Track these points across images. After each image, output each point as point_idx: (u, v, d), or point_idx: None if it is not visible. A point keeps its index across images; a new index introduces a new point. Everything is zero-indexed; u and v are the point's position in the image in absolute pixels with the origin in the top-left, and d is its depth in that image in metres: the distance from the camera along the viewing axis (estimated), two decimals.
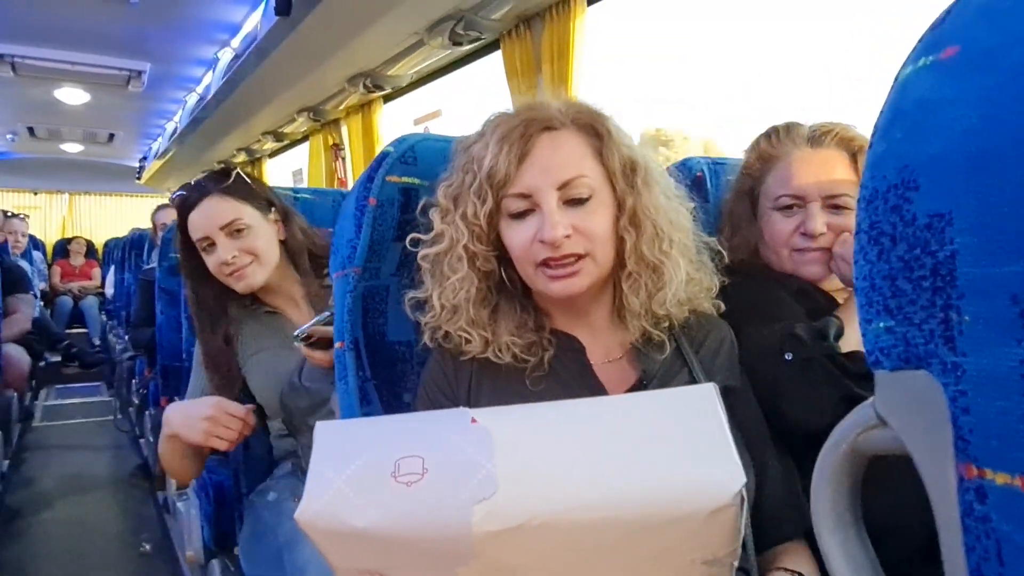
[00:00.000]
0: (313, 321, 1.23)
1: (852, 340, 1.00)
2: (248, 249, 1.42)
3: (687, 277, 0.92)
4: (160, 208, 3.86)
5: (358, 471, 0.51)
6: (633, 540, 0.46)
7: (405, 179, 1.01)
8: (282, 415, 1.43)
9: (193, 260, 1.46)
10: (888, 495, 0.72)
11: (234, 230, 1.41)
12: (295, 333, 1.23)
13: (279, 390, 1.41)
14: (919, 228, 0.32)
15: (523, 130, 0.88)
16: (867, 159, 0.37)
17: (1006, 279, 0.29)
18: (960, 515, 0.30)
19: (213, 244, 1.41)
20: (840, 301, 1.13)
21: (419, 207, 0.97)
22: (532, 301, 0.96)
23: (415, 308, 0.95)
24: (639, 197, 0.90)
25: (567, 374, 0.91)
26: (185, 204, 1.44)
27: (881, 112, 0.37)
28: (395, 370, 1.02)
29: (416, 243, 0.95)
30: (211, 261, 1.42)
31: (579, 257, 0.86)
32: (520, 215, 0.88)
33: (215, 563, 1.58)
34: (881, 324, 0.34)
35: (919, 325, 0.32)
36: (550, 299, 0.93)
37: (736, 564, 0.49)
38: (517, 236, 0.89)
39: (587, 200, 0.87)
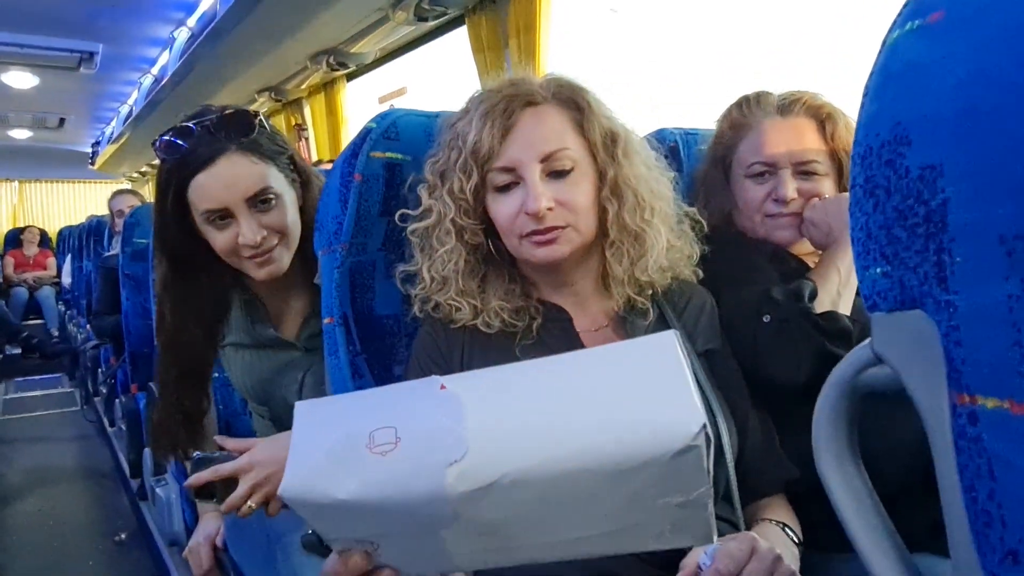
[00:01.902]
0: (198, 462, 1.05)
1: (825, 301, 1.05)
2: (276, 226, 1.12)
3: (668, 244, 0.96)
4: (117, 194, 3.77)
5: (335, 445, 0.53)
6: (604, 488, 0.49)
7: (389, 154, 1.02)
8: (269, 412, 1.35)
9: (181, 234, 1.14)
10: (881, 439, 0.76)
11: (261, 201, 1.10)
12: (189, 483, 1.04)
13: (257, 386, 1.30)
14: (912, 180, 0.35)
15: (506, 105, 0.90)
16: (859, 118, 0.39)
17: (993, 221, 0.31)
18: (953, 438, 0.33)
19: (229, 218, 1.10)
20: (811, 264, 1.17)
21: (407, 183, 0.99)
22: (519, 271, 0.98)
23: (405, 281, 0.97)
24: (620, 168, 0.93)
25: (555, 343, 0.93)
26: (189, 160, 1.08)
27: (871, 74, 0.40)
28: (384, 343, 1.04)
29: (404, 219, 0.97)
30: (223, 238, 1.11)
31: (559, 229, 0.89)
32: (505, 188, 0.91)
33: None
34: (878, 270, 0.36)
35: (914, 269, 0.35)
36: (536, 268, 0.95)
37: (710, 505, 0.52)
38: (502, 209, 0.91)
39: (569, 172, 0.90)
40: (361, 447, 0.52)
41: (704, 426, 0.48)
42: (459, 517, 0.50)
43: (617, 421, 0.48)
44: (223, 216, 1.10)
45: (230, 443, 1.06)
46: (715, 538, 0.56)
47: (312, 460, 0.53)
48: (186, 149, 1.08)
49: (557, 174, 0.89)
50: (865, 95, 0.40)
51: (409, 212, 0.97)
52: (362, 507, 0.51)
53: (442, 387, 0.55)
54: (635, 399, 0.49)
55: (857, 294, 1.08)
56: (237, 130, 1.10)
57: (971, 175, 0.33)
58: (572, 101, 0.93)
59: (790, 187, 1.16)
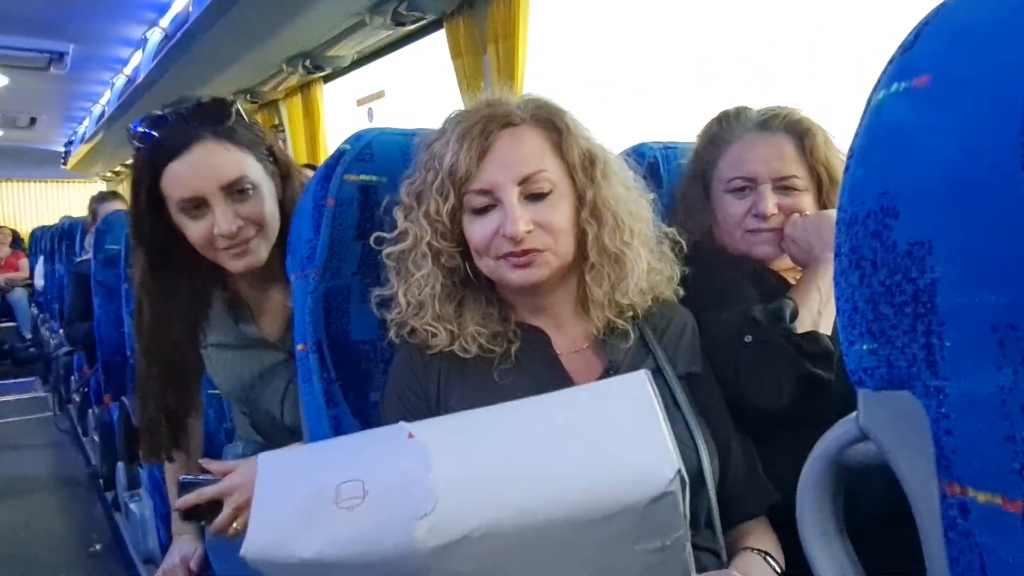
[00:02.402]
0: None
1: (806, 321, 1.04)
2: (253, 216, 1.09)
3: (648, 267, 0.95)
4: (102, 199, 3.65)
5: (301, 501, 0.51)
6: (578, 536, 0.47)
7: (363, 177, 1.00)
8: (251, 420, 1.33)
9: (158, 227, 1.11)
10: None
11: (237, 191, 1.08)
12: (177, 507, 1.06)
13: (239, 389, 1.28)
14: (900, 255, 0.34)
15: (483, 126, 0.88)
16: (844, 182, 0.38)
17: (985, 308, 0.30)
18: (944, 529, 0.32)
19: (204, 208, 1.08)
20: (791, 280, 1.17)
21: (383, 206, 0.97)
22: (497, 295, 0.96)
23: (380, 305, 0.95)
24: (599, 189, 0.91)
25: (533, 365, 0.92)
26: (163, 148, 1.06)
27: (856, 135, 0.39)
28: (360, 369, 1.02)
29: (380, 241, 0.95)
30: (198, 229, 1.09)
31: (537, 252, 0.88)
32: (482, 211, 0.89)
33: None
34: (864, 346, 0.35)
35: (901, 349, 0.33)
36: (514, 292, 0.94)
37: (688, 547, 0.51)
38: (479, 231, 0.89)
39: (548, 195, 0.88)
40: (328, 502, 0.50)
41: (679, 472, 0.46)
42: (430, 571, 0.49)
43: (589, 468, 0.47)
44: (198, 205, 1.07)
45: (214, 465, 1.06)
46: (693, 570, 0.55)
47: (276, 518, 0.51)
48: (159, 137, 1.06)
49: (535, 196, 0.88)
50: (850, 157, 0.38)
51: (384, 235, 0.95)
52: (330, 564, 0.49)
53: (410, 435, 0.53)
54: (607, 445, 0.48)
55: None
56: (212, 118, 1.08)
57: (962, 255, 0.31)
58: (550, 122, 0.92)
59: (770, 202, 1.15)
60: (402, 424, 0.53)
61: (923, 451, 0.33)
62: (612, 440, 0.48)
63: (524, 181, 0.87)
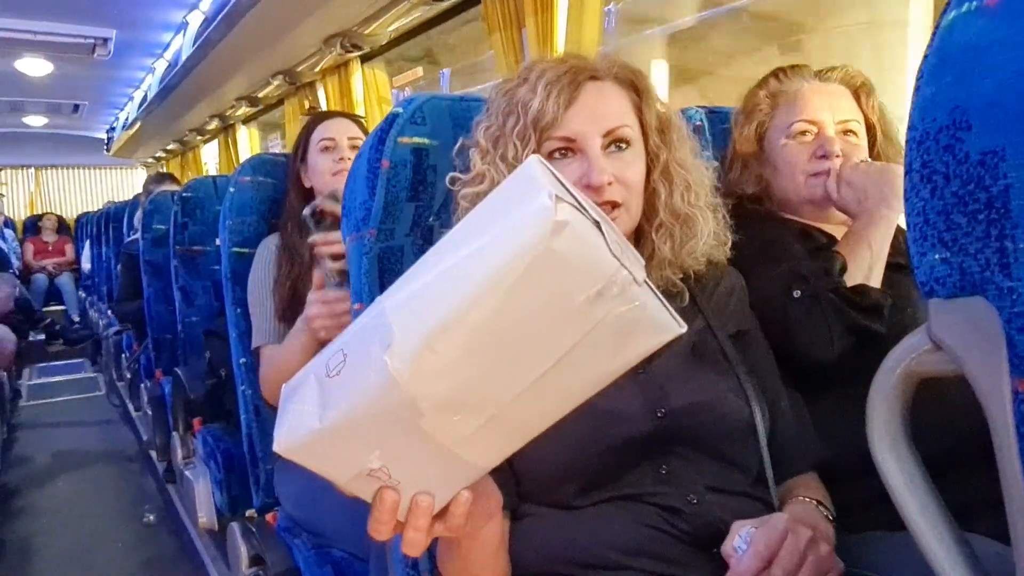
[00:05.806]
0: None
1: (857, 277, 1.05)
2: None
3: (712, 230, 0.96)
4: (158, 180, 3.73)
5: (306, 391, 0.54)
6: (519, 308, 0.47)
7: (416, 140, 1.02)
8: None
9: (300, 164, 1.68)
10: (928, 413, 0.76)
11: (352, 147, 1.68)
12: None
13: None
14: (972, 165, 0.35)
15: (572, 77, 0.89)
16: (914, 101, 0.39)
17: None
18: (1015, 424, 0.33)
19: (333, 148, 1.67)
20: (838, 239, 1.17)
21: (456, 148, 0.98)
22: None
23: None
24: (673, 152, 0.93)
25: None
26: (322, 115, 1.77)
27: (926, 56, 0.40)
28: None
29: (454, 182, 0.96)
30: (327, 158, 1.66)
31: (615, 206, 0.89)
32: (560, 160, 0.90)
33: (235, 526, 1.61)
34: (936, 256, 0.36)
35: (974, 255, 0.35)
36: None
37: (636, 289, 0.50)
38: None
39: (627, 150, 0.90)
40: (323, 379, 0.54)
41: (567, 206, 0.45)
42: (421, 400, 0.50)
43: (494, 240, 0.47)
44: (328, 147, 1.68)
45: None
46: (677, 324, 0.56)
47: (292, 412, 0.55)
48: (322, 111, 1.59)
49: (616, 151, 0.90)
50: (920, 78, 0.39)
51: (459, 176, 0.95)
52: (342, 429, 0.51)
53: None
54: (505, 217, 0.48)
55: (890, 268, 1.08)
56: (351, 116, 1.79)
57: None
58: (631, 82, 0.93)
59: (836, 142, 1.16)
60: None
61: (995, 352, 0.34)
62: (508, 211, 0.48)
63: (608, 134, 0.89)
